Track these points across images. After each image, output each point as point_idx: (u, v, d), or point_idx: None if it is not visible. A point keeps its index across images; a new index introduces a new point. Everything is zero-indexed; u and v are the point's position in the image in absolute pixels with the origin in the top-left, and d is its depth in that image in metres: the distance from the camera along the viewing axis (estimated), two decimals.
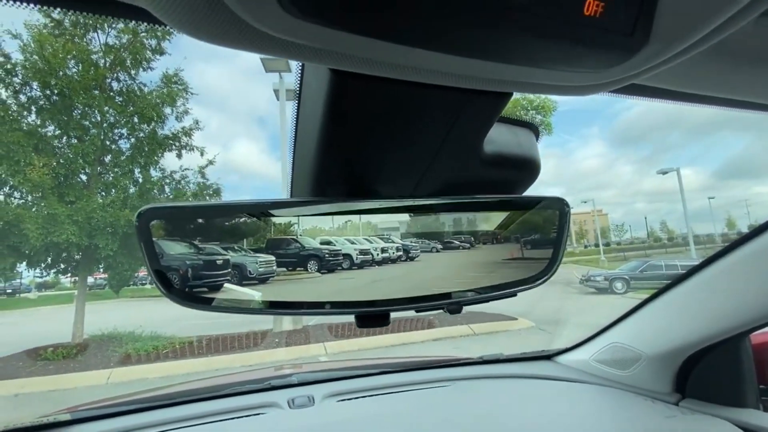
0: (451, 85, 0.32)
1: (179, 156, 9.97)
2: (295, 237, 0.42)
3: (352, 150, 0.43)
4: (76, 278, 10.22)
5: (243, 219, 0.43)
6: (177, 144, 9.82)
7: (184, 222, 0.41)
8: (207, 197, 11.00)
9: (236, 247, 0.41)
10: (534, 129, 0.52)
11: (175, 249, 0.39)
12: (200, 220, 0.42)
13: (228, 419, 1.10)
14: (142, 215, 0.37)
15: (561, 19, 0.25)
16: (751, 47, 0.37)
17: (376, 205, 0.45)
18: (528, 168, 0.50)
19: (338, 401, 1.20)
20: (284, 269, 0.42)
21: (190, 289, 0.40)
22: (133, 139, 9.39)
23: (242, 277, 0.40)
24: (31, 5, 0.30)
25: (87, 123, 8.85)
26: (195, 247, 0.40)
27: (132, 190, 9.31)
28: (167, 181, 9.82)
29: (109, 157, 9.26)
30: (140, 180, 9.47)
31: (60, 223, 7.76)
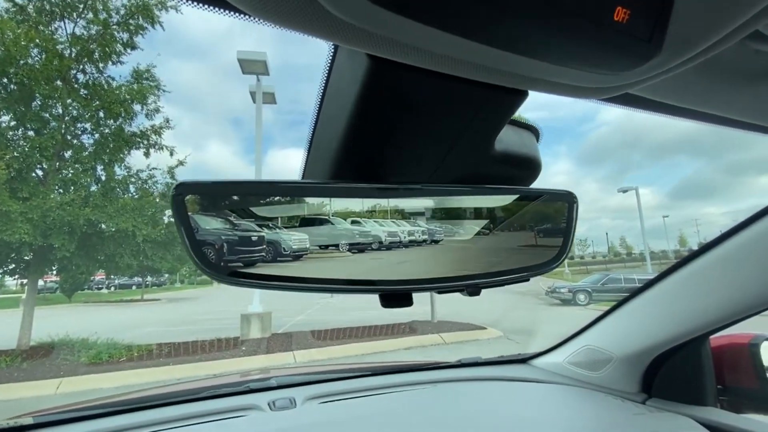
0: (476, 79, 0.34)
1: (147, 155, 9.57)
2: (327, 217, 0.44)
3: (376, 135, 0.44)
4: (25, 280, 9.49)
5: (277, 197, 0.45)
6: (145, 142, 9.43)
7: (219, 198, 0.42)
8: None
9: (271, 225, 0.42)
10: (536, 131, 0.56)
11: (210, 224, 0.40)
12: (235, 197, 0.43)
13: (207, 422, 1.06)
14: (177, 189, 0.37)
15: (592, 21, 0.27)
16: (736, 67, 0.42)
17: (395, 188, 0.47)
18: (531, 167, 0.54)
19: (320, 403, 1.19)
20: (317, 247, 0.44)
21: (225, 263, 0.40)
22: (97, 135, 8.93)
23: (276, 253, 0.41)
24: None
25: (47, 115, 8.34)
26: (230, 222, 0.40)
27: (94, 188, 8.82)
28: (133, 180, 9.38)
29: (69, 152, 8.75)
30: (103, 178, 9.00)
31: (12, 221, 7.21)
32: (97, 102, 8.56)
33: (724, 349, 1.17)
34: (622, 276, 17.65)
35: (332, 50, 0.41)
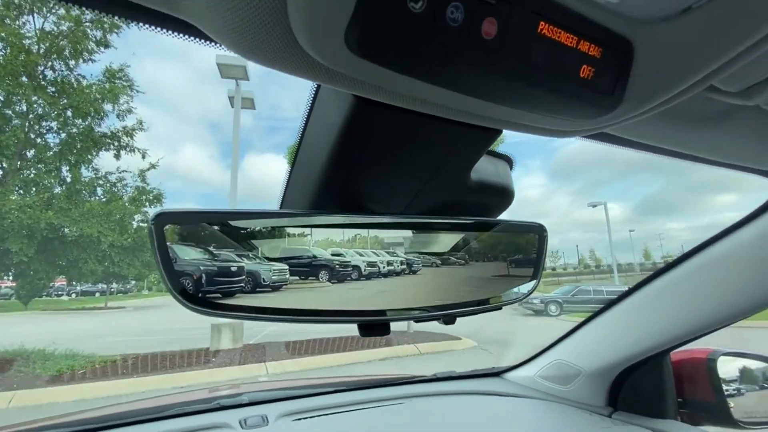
0: (454, 119, 0.36)
1: (117, 156, 9.24)
2: (308, 247, 0.44)
3: (356, 167, 0.46)
4: None
5: (257, 227, 0.44)
6: (116, 143, 9.12)
7: (198, 227, 0.41)
8: (146, 203, 10.23)
9: (251, 255, 0.42)
10: (509, 161, 0.59)
11: (189, 254, 0.39)
12: (215, 227, 0.42)
13: None
14: (156, 218, 0.37)
15: (561, 77, 0.30)
16: (692, 112, 0.46)
17: (370, 220, 0.49)
18: (504, 195, 0.57)
19: (294, 420, 1.17)
20: (297, 278, 0.44)
21: (203, 294, 0.40)
22: (64, 135, 8.56)
23: (256, 284, 0.41)
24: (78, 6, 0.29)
25: (9, 112, 7.93)
26: (209, 252, 0.40)
27: (58, 189, 8.41)
28: (101, 182, 9.02)
29: (32, 151, 8.33)
30: (69, 179, 8.60)
31: None
32: (66, 100, 8.22)
33: (684, 363, 1.23)
34: (591, 288, 18.26)
35: (316, 84, 0.41)
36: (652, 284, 1.12)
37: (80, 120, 8.52)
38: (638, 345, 1.13)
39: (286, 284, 0.43)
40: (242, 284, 0.41)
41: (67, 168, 8.57)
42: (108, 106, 8.77)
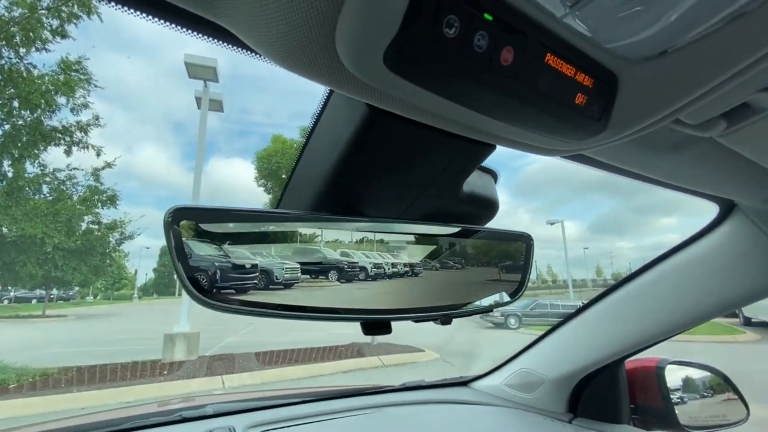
0: (458, 133, 0.40)
1: (68, 153, 8.63)
2: (318, 247, 0.46)
3: (360, 173, 0.48)
4: None
5: (271, 226, 0.46)
6: (67, 139, 8.52)
7: (214, 224, 0.42)
8: (98, 204, 9.58)
9: (264, 253, 0.43)
10: (495, 175, 0.64)
11: (204, 249, 0.39)
12: (230, 224, 0.43)
13: None
14: (172, 214, 0.36)
15: (560, 102, 0.34)
16: (657, 141, 0.52)
17: (370, 223, 0.51)
18: (491, 206, 0.62)
19: None
20: (308, 276, 0.45)
21: (217, 290, 0.40)
22: (7, 126, 7.90)
23: (269, 281, 0.42)
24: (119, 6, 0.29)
25: None
26: (224, 249, 0.41)
27: None
28: (47, 179, 8.37)
29: None
30: (10, 174, 7.92)
31: None
32: (12, 90, 7.61)
33: (637, 371, 1.32)
34: (548, 302, 19.05)
35: (328, 90, 0.43)
36: (607, 299, 1.20)
37: (28, 112, 7.91)
38: (595, 354, 1.21)
39: (297, 282, 0.44)
40: (256, 281, 0.42)
41: (9, 162, 7.90)
42: (62, 99, 8.21)
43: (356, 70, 0.27)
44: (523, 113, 0.34)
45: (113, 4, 0.29)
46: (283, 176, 14.83)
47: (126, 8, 0.30)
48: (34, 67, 8.05)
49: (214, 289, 0.39)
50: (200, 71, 11.26)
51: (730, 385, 1.40)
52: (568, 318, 1.32)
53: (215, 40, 0.34)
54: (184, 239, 0.37)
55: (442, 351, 9.89)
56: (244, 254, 0.41)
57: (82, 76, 8.47)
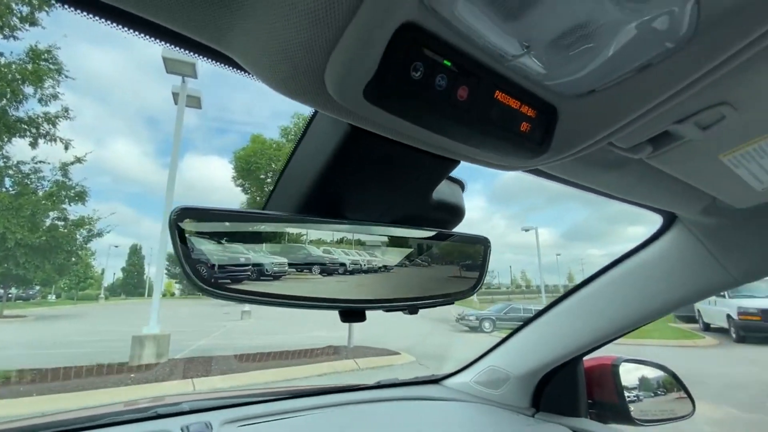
0: (426, 150, 0.46)
1: (34, 145, 8.25)
2: (304, 245, 0.52)
3: (340, 179, 0.54)
4: None
5: (262, 226, 0.52)
6: (34, 131, 8.14)
7: (213, 224, 0.47)
8: (65, 200, 9.19)
9: (256, 249, 0.49)
10: (462, 185, 0.72)
11: (205, 245, 0.45)
12: (226, 223, 0.49)
13: None
14: (178, 213, 0.42)
15: (508, 130, 0.41)
16: (602, 160, 0.60)
17: (345, 224, 0.58)
18: (458, 213, 0.69)
19: (239, 426, 1.15)
20: (294, 270, 0.51)
21: (215, 279, 0.45)
22: None
23: (260, 273, 0.48)
24: (118, 26, 0.33)
25: None
26: (222, 245, 0.46)
27: None
28: (10, 172, 7.98)
29: None
30: None
31: None
32: None
33: (594, 369, 1.42)
34: (521, 306, 19.55)
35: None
36: (567, 300, 1.30)
37: None
38: (556, 352, 1.30)
39: (285, 274, 0.50)
40: (248, 273, 0.47)
41: None
42: (29, 89, 7.85)
43: (341, 100, 0.33)
44: (477, 137, 0.41)
45: (126, 29, 0.33)
46: (262, 176, 14.65)
47: (138, 33, 0.34)
48: (1, 54, 7.68)
49: (212, 279, 0.44)
50: (178, 66, 11.02)
51: (678, 381, 1.52)
52: (532, 318, 1.41)
53: (214, 62, 0.38)
54: (186, 235, 0.42)
55: (417, 354, 9.98)
56: (238, 249, 0.47)
57: (52, 66, 8.13)
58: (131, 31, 0.34)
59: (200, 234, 0.44)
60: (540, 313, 1.38)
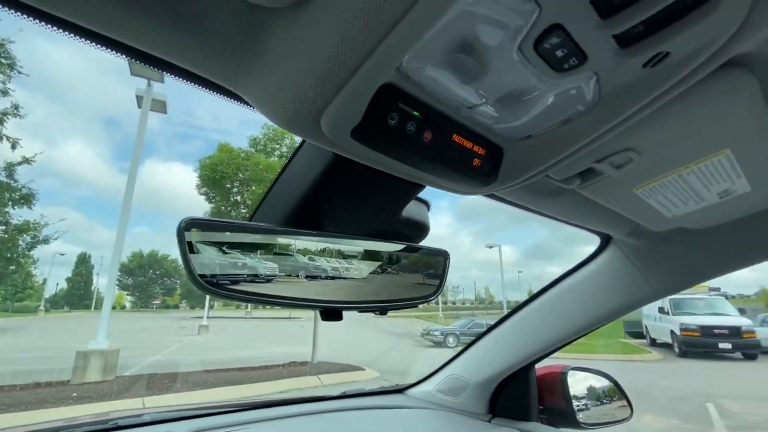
0: (397, 176, 0.54)
1: None
2: (292, 253, 0.60)
3: (324, 198, 0.62)
4: None
5: (257, 236, 0.60)
6: None
7: (215, 233, 0.54)
8: (8, 203, 8.55)
9: (251, 256, 0.56)
10: (428, 205, 0.82)
11: (208, 251, 0.51)
12: (227, 233, 0.55)
13: None
14: (186, 223, 0.48)
15: (463, 165, 0.51)
16: (545, 188, 0.71)
17: (327, 236, 0.66)
18: (423, 229, 0.79)
19: None
20: (283, 274, 0.59)
21: (217, 281, 0.51)
22: None
23: (254, 276, 0.55)
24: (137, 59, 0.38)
25: None
26: (222, 251, 0.53)
27: None
28: None
29: None
30: None
31: None
32: None
33: (545, 377, 1.54)
34: (484, 322, 19.99)
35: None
36: (519, 312, 1.42)
37: None
38: (509, 360, 1.41)
39: (275, 278, 0.58)
40: (244, 275, 0.54)
41: None
42: None
43: (332, 138, 0.41)
44: (439, 169, 0.51)
45: (141, 62, 0.39)
46: (228, 186, 14.27)
47: (154, 67, 0.40)
48: None
49: (214, 281, 0.50)
50: (144, 69, 10.68)
51: (618, 387, 1.67)
52: (490, 328, 1.51)
53: (220, 96, 0.45)
54: (193, 242, 0.47)
55: (382, 369, 9.94)
56: (236, 256, 0.54)
57: (3, 61, 7.66)
58: (147, 65, 0.39)
59: (204, 242, 0.50)
60: (497, 324, 1.49)
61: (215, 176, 13.60)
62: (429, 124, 0.45)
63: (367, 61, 0.33)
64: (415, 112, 0.43)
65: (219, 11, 0.33)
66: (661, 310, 14.85)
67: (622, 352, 13.97)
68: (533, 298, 1.36)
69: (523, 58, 0.38)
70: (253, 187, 13.75)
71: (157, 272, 73.78)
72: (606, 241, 1.13)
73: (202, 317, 23.09)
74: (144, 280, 72.93)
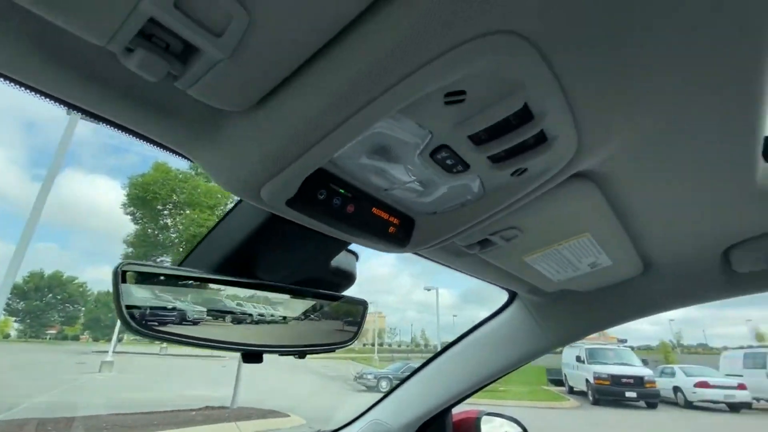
0: (326, 234, 0.63)
1: None
2: (221, 298, 0.63)
3: (258, 249, 0.68)
4: None
5: (190, 282, 0.62)
6: None
7: (150, 276, 0.56)
8: None
9: (181, 300, 0.58)
10: (356, 255, 0.90)
11: (140, 293, 0.52)
12: (161, 277, 0.57)
13: None
14: (120, 267, 0.49)
15: (380, 231, 0.61)
16: (453, 251, 0.84)
17: (257, 284, 0.71)
18: (350, 278, 0.87)
19: None
20: (210, 318, 0.61)
21: (146, 322, 0.53)
22: None
23: (182, 319, 0.57)
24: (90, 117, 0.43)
25: None
26: (154, 294, 0.55)
27: None
28: None
29: None
30: None
31: None
32: None
33: (461, 422, 1.62)
34: (418, 365, 19.90)
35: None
36: (439, 358, 1.52)
37: None
38: (427, 404, 1.49)
39: (202, 321, 0.61)
40: (173, 318, 0.56)
41: None
42: None
43: (270, 205, 0.48)
44: (361, 234, 0.60)
45: (115, 129, 0.44)
46: (159, 207, 13.32)
47: (123, 132, 0.45)
48: None
49: (144, 321, 0.52)
50: None
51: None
52: (412, 373, 1.59)
53: (170, 154, 0.51)
54: (126, 284, 0.50)
55: (309, 416, 9.38)
56: (167, 299, 0.57)
57: None
58: (113, 129, 0.45)
59: (138, 284, 0.53)
60: (419, 369, 1.57)
61: (146, 196, 12.66)
62: (352, 200, 0.55)
63: (305, 155, 0.42)
64: (341, 190, 0.53)
65: (186, 98, 0.40)
66: (578, 358, 15.97)
67: (544, 399, 14.63)
68: (452, 344, 1.48)
69: (423, 162, 0.50)
70: (188, 211, 12.98)
71: (59, 296, 64.30)
72: (512, 296, 1.29)
73: (107, 352, 20.33)
74: (40, 304, 63.00)
